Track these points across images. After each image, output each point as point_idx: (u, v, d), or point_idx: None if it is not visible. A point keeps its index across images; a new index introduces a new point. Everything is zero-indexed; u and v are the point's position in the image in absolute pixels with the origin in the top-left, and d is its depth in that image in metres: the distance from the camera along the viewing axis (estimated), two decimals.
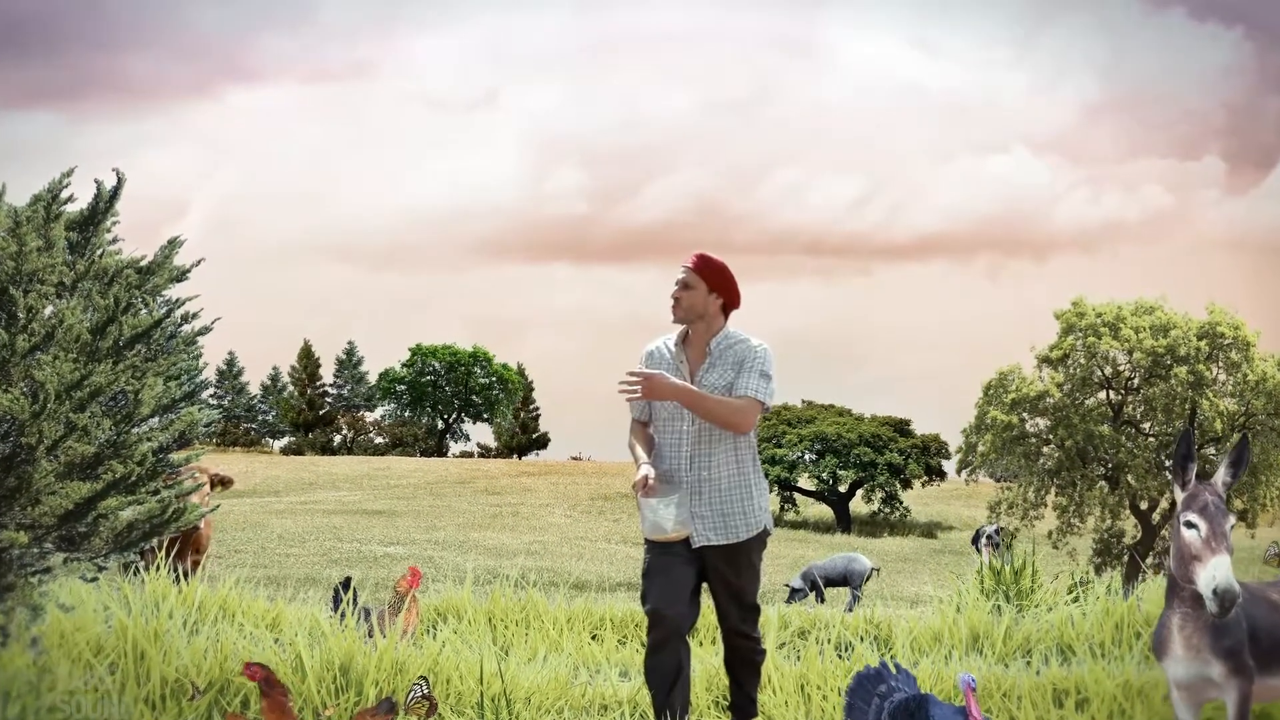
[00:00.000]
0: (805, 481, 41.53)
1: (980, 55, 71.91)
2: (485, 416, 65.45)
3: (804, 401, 43.83)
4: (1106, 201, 72.46)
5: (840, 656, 5.83)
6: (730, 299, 5.03)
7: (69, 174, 5.05)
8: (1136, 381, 28.58)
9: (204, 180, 79.31)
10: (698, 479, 4.93)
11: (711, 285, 4.98)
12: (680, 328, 5.06)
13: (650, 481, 4.82)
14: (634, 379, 4.88)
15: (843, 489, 41.10)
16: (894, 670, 4.65)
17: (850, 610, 9.69)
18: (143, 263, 5.20)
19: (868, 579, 18.35)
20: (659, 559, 4.95)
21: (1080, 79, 70.11)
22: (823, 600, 17.84)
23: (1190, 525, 4.04)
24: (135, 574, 6.21)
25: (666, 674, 4.88)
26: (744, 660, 5.11)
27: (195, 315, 5.30)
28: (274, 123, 79.78)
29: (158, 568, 6.40)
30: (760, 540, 5.01)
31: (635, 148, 74.84)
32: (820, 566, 18.71)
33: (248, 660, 4.98)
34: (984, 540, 17.95)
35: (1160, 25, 67.75)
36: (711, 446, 4.94)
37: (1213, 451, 27.42)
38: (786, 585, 18.84)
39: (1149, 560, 26.16)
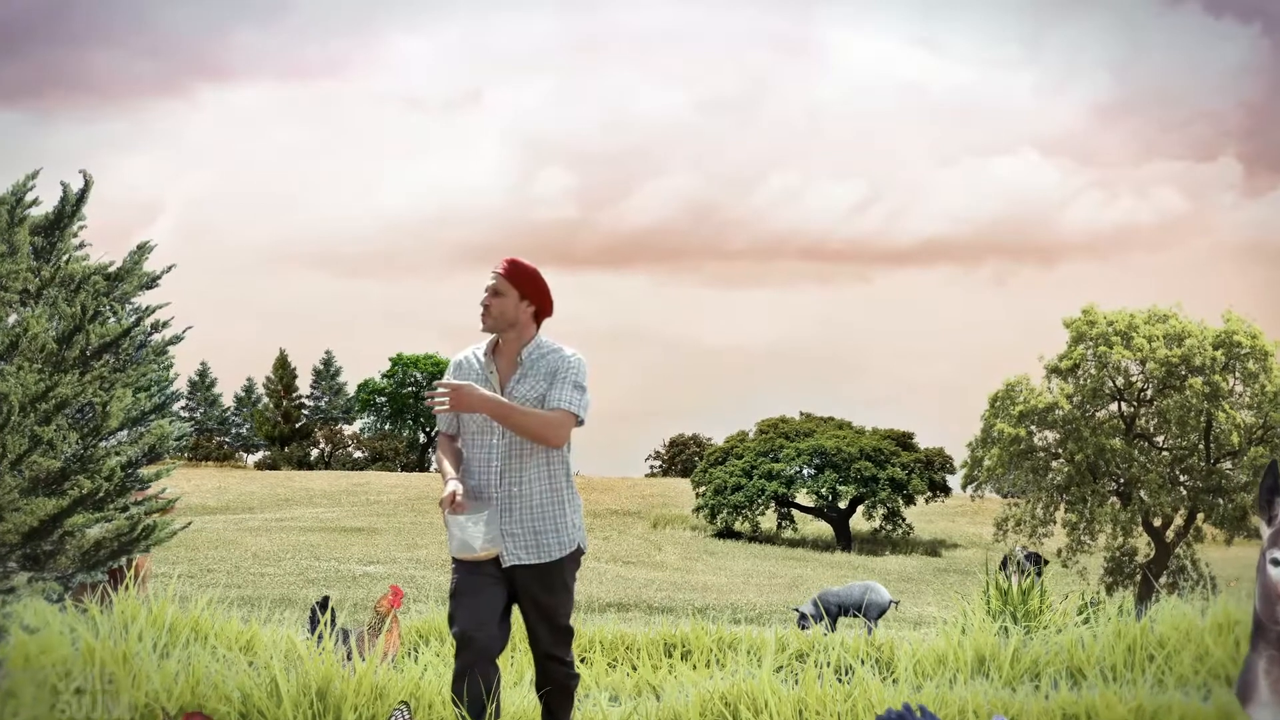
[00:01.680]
0: (803, 497, 41.41)
1: (986, 54, 71.52)
2: None
3: (802, 414, 43.76)
4: (1118, 205, 72.05)
5: (840, 680, 5.70)
6: (543, 307, 4.97)
7: (33, 176, 5.02)
8: (1150, 393, 28.36)
9: (175, 183, 78.80)
10: (508, 495, 4.85)
11: (523, 293, 4.91)
12: (489, 337, 4.98)
13: (458, 498, 4.74)
14: (442, 390, 4.78)
15: (843, 505, 40.96)
16: (919, 714, 4.40)
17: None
18: (111, 269, 5.15)
19: (884, 612, 17.69)
20: (467, 579, 4.87)
21: (1090, 78, 69.61)
22: (832, 630, 17.40)
23: (1276, 563, 3.87)
24: (74, 603, 6.01)
25: (476, 698, 4.78)
26: (558, 685, 5.00)
27: (166, 324, 5.30)
28: (247, 123, 79.34)
29: (126, 587, 6.28)
30: (574, 559, 4.94)
31: (625, 149, 74.38)
32: (835, 594, 18.09)
33: (189, 710, 4.85)
34: (1013, 566, 17.36)
35: (1174, 23, 67.36)
36: (523, 461, 4.87)
37: (1229, 466, 27.24)
38: (795, 610, 18.47)
39: (1162, 580, 26.01)
